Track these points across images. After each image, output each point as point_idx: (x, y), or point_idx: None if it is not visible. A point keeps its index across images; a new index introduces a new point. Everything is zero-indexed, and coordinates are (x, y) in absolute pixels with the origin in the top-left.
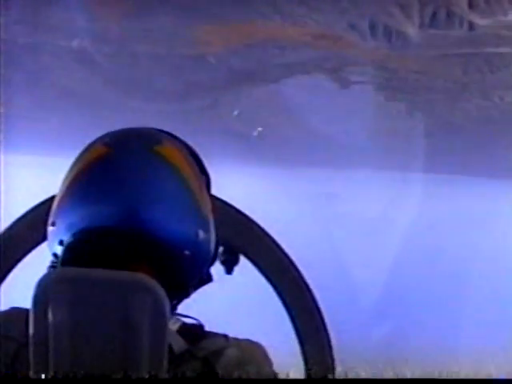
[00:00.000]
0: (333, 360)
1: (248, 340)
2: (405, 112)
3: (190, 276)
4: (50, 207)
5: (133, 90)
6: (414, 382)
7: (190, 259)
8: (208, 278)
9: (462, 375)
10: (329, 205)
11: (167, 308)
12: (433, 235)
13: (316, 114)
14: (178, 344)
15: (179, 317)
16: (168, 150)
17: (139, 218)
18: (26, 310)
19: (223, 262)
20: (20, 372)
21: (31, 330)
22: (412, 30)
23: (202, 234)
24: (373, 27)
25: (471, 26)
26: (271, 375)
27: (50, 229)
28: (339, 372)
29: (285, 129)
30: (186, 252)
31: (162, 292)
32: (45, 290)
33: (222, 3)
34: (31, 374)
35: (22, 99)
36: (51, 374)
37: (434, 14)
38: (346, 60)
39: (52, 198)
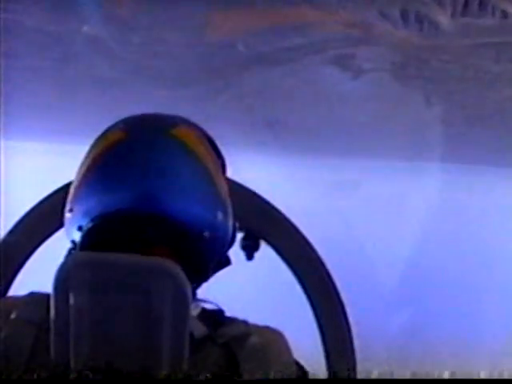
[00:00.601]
0: (353, 348)
1: (268, 327)
2: (434, 102)
3: (210, 258)
4: (66, 194)
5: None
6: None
7: (210, 241)
8: (226, 261)
9: (477, 374)
10: (348, 192)
11: (189, 294)
12: (454, 225)
13: (343, 102)
14: (199, 329)
15: (199, 302)
16: (184, 132)
17: (157, 201)
18: (46, 295)
19: (244, 248)
20: (40, 357)
21: (52, 315)
22: (444, 19)
23: (220, 215)
24: (404, 15)
25: (504, 15)
26: (292, 363)
27: (68, 215)
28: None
29: (302, 116)
30: (206, 233)
31: (184, 277)
32: (66, 275)
33: None
34: (52, 357)
35: (25, 87)
36: (72, 358)
37: (467, 3)
38: (375, 50)
39: (68, 185)
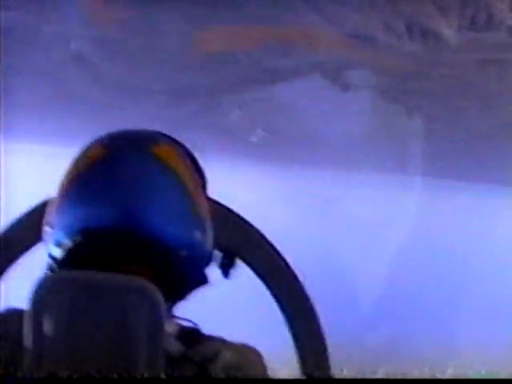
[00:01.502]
0: (328, 364)
1: (244, 344)
2: (434, 118)
3: (187, 277)
4: (46, 209)
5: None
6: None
7: (187, 260)
8: (204, 280)
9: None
10: (327, 207)
11: (164, 312)
12: (435, 239)
13: (331, 117)
14: (175, 347)
15: (175, 319)
16: (165, 150)
17: (135, 219)
18: (22, 311)
19: (220, 266)
20: (12, 371)
21: (27, 331)
22: (450, 33)
23: (198, 234)
24: (410, 28)
25: (510, 30)
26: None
27: (47, 230)
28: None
29: (286, 131)
30: (183, 252)
31: (159, 296)
32: (41, 293)
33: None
34: (23, 373)
35: (24, 89)
36: (44, 374)
37: (474, 17)
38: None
39: (47, 201)
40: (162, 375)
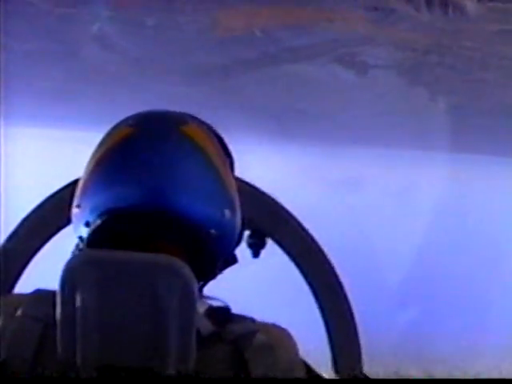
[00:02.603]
0: (359, 345)
1: (274, 325)
2: (455, 91)
3: (216, 256)
4: (74, 190)
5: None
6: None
7: (217, 239)
8: (233, 260)
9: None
10: (354, 187)
11: (196, 291)
12: (462, 218)
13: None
14: (206, 327)
15: (205, 299)
16: (193, 130)
17: (164, 198)
18: (52, 292)
19: (250, 246)
20: (46, 354)
21: (58, 312)
22: (470, 3)
23: (228, 213)
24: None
25: None
26: (299, 362)
27: (75, 211)
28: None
29: (309, 108)
30: (213, 231)
31: (190, 274)
32: (73, 272)
33: None
34: (58, 355)
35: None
36: (79, 356)
37: None
38: (393, 39)
39: (75, 182)
40: (194, 356)
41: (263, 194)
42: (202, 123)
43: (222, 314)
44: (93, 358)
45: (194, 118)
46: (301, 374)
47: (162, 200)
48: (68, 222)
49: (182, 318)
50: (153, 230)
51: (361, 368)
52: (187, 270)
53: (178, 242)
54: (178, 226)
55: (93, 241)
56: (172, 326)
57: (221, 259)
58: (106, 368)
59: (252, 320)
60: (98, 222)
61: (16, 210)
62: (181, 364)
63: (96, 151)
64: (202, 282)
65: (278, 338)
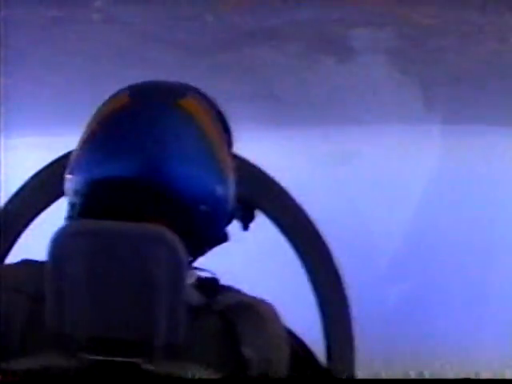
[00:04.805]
0: (349, 319)
1: (260, 298)
2: (415, 61)
3: (206, 233)
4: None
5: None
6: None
7: (207, 215)
8: (224, 237)
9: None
10: (346, 162)
11: (185, 260)
12: (455, 190)
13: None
14: (195, 298)
15: (194, 270)
16: (191, 103)
17: (155, 170)
18: (38, 263)
19: (239, 218)
20: (35, 327)
21: (47, 283)
22: None
23: (220, 189)
24: None
25: None
26: (287, 337)
27: (68, 177)
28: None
29: (296, 87)
30: (203, 207)
31: (179, 244)
32: (61, 243)
33: None
34: (47, 328)
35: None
36: (67, 329)
37: None
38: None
39: (69, 154)
40: (184, 326)
41: (253, 165)
42: (202, 96)
43: (211, 285)
44: (82, 330)
45: (195, 91)
46: (287, 350)
47: (152, 173)
48: (60, 195)
49: (171, 289)
50: (142, 202)
51: (352, 341)
52: (177, 240)
53: (166, 215)
54: (167, 200)
55: (83, 209)
56: (161, 297)
57: (210, 236)
58: (94, 340)
59: (240, 292)
60: (88, 190)
61: None
62: (170, 335)
63: (92, 117)
64: (190, 258)
65: (266, 310)
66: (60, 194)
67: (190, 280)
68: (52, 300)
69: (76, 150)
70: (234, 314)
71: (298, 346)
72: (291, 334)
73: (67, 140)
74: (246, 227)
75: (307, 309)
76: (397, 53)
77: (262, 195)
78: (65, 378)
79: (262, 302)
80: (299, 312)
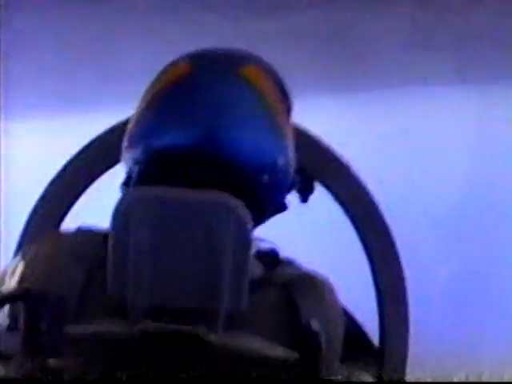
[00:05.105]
0: (406, 298)
1: (317, 272)
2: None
3: (266, 203)
4: (122, 130)
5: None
6: None
7: (268, 185)
8: (283, 207)
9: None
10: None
11: (251, 230)
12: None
13: None
14: (256, 269)
15: (256, 240)
16: (253, 72)
17: (216, 141)
18: (94, 230)
19: (298, 190)
20: (92, 297)
21: (109, 251)
22: None
23: (281, 160)
24: None
25: None
26: (342, 313)
27: (127, 146)
28: None
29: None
30: (265, 178)
31: (247, 213)
32: (125, 210)
33: None
34: (108, 292)
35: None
36: (129, 296)
37: None
38: None
39: (126, 122)
40: (246, 298)
41: (310, 135)
42: (263, 64)
43: (271, 257)
44: (144, 298)
45: (255, 59)
46: (343, 326)
47: (213, 142)
48: (116, 161)
49: (236, 259)
50: (203, 172)
51: (407, 322)
52: (243, 209)
53: (227, 185)
54: (228, 170)
55: (142, 179)
56: (226, 267)
57: (271, 205)
58: (157, 308)
59: (298, 265)
60: (147, 160)
61: (16, 210)
62: (233, 306)
63: (150, 85)
64: None
65: (326, 285)
66: (115, 162)
67: (252, 251)
68: (114, 266)
69: (134, 119)
70: (294, 288)
71: (351, 323)
72: (345, 311)
73: (68, 123)
74: (305, 199)
75: (362, 287)
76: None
77: (322, 167)
78: (124, 345)
79: (320, 276)
80: (354, 289)
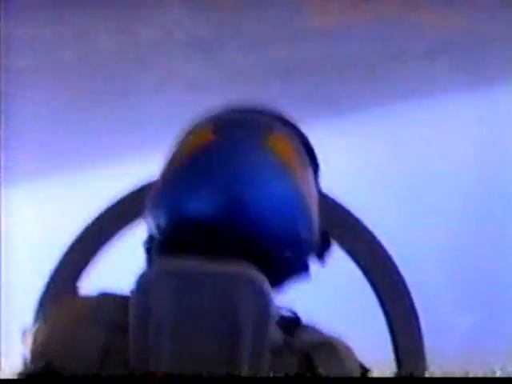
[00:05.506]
0: (423, 350)
1: (338, 337)
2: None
3: (289, 272)
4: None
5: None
6: None
7: (290, 260)
8: (305, 273)
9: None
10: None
11: (272, 301)
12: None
13: None
14: (277, 336)
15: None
16: (278, 140)
17: (241, 212)
18: (117, 295)
19: (317, 252)
20: (113, 359)
21: (131, 317)
22: None
23: (305, 233)
24: None
25: None
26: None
27: (150, 210)
28: None
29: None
30: (287, 253)
31: (268, 287)
32: (149, 279)
33: None
34: (129, 362)
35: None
36: (150, 363)
37: None
38: None
39: (150, 184)
40: (266, 367)
41: (329, 197)
42: (290, 127)
43: (293, 324)
44: (164, 366)
45: (281, 121)
46: None
47: (236, 214)
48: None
49: (257, 329)
50: (225, 243)
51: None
52: (265, 281)
53: (249, 258)
54: (250, 243)
55: (164, 246)
56: (246, 338)
57: (293, 275)
58: (177, 375)
59: (318, 330)
60: (168, 226)
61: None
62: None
63: (174, 152)
64: None
65: (345, 351)
66: (135, 220)
67: (274, 319)
68: (136, 334)
69: (159, 182)
70: (313, 353)
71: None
72: (364, 373)
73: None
74: (322, 261)
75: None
76: None
77: (339, 228)
78: None
79: (339, 340)
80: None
